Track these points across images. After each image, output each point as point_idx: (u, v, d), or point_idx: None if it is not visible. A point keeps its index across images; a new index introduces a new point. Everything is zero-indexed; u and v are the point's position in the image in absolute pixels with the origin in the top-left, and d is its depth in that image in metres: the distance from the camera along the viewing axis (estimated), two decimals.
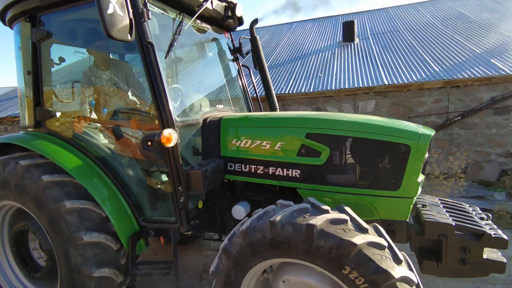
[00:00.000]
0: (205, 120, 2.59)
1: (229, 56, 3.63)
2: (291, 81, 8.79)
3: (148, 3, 2.16)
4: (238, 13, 3.15)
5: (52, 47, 2.68)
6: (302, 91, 8.14)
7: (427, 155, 2.26)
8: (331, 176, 2.25)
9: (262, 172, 2.40)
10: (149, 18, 2.13)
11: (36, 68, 2.52)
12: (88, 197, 2.26)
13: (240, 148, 2.46)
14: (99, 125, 2.67)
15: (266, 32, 14.57)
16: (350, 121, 2.25)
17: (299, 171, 2.30)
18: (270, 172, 2.38)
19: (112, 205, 2.35)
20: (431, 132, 2.14)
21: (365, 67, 8.65)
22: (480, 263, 2.03)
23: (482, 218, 2.26)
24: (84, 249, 2.14)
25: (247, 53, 3.63)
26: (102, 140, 2.61)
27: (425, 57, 8.38)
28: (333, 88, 7.90)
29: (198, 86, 3.68)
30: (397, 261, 1.63)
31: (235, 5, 3.08)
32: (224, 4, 3.00)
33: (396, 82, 7.35)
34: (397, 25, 11.80)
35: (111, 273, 2.22)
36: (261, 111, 3.81)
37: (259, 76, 3.69)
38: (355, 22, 11.19)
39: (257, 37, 3.54)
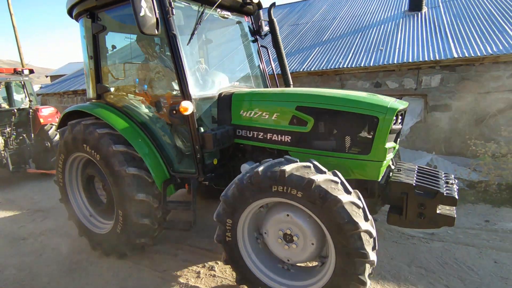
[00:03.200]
0: (220, 94, 3.21)
1: (250, 37, 4.11)
2: (350, 55, 8.51)
3: (173, 2, 2.77)
4: None
5: (108, 35, 3.47)
6: (362, 65, 7.81)
7: (399, 126, 2.63)
8: (315, 141, 2.75)
9: (262, 138, 2.99)
10: (173, 14, 2.74)
11: (96, 54, 3.33)
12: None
13: (246, 117, 3.04)
14: (141, 97, 3.43)
15: (323, 3, 13.82)
16: (331, 96, 2.70)
17: (290, 137, 2.84)
18: (268, 138, 2.95)
19: (151, 158, 3.14)
20: (399, 106, 2.50)
21: (432, 38, 8.08)
22: (434, 217, 2.44)
23: (447, 182, 2.61)
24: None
25: (265, 35, 4.08)
26: (143, 109, 3.39)
27: (505, 26, 7.56)
28: (394, 62, 7.46)
29: (223, 65, 4.27)
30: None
31: None
32: None
33: (467, 55, 6.74)
34: None
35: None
36: (277, 86, 4.30)
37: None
38: None
39: (274, 19, 3.93)
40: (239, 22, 4.00)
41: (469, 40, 7.45)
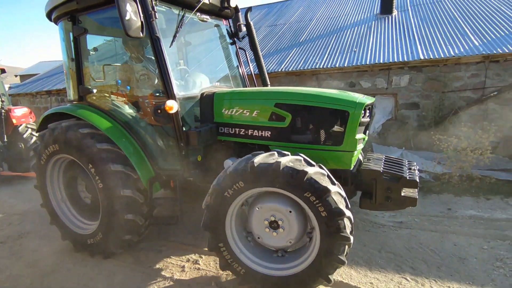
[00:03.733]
0: (202, 94, 3.36)
1: (229, 40, 4.29)
2: (326, 55, 8.86)
3: (155, 6, 2.91)
4: (232, 4, 3.81)
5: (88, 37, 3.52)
6: (337, 65, 8.18)
7: (367, 119, 2.91)
8: (293, 135, 2.97)
9: (243, 134, 3.17)
10: (156, 18, 2.87)
11: (77, 56, 3.38)
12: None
13: (228, 115, 3.21)
14: (124, 98, 3.52)
15: (300, 4, 14.11)
16: (306, 93, 2.94)
17: (270, 132, 3.04)
18: (249, 134, 3.13)
19: (136, 157, 3.23)
20: (366, 101, 2.78)
21: (401, 41, 8.57)
22: (399, 199, 2.73)
23: (410, 168, 2.92)
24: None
25: (243, 37, 4.27)
26: (127, 109, 3.47)
27: (466, 30, 8.15)
28: (367, 63, 7.89)
29: (202, 66, 4.42)
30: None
31: None
32: None
33: (432, 57, 7.24)
34: None
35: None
36: (255, 86, 4.51)
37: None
38: None
39: (251, 23, 4.14)
40: (217, 25, 4.17)
41: (434, 42, 7.97)
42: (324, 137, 2.87)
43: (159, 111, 2.96)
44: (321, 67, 8.41)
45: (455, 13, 9.48)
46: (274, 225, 2.61)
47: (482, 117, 7.20)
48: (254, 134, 3.11)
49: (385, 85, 8.16)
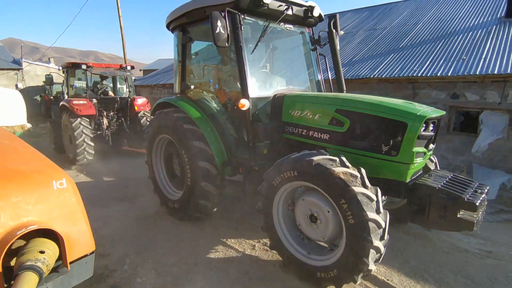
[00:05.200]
0: (275, 95, 3.79)
1: (311, 46, 4.59)
2: (427, 63, 8.23)
3: (243, 20, 3.46)
4: (316, 13, 4.10)
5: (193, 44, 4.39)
6: (438, 74, 7.57)
7: (430, 133, 2.83)
8: (350, 141, 3.11)
9: (305, 134, 3.46)
10: (241, 30, 3.43)
11: (183, 59, 4.26)
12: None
13: (294, 116, 3.56)
14: (213, 94, 4.25)
15: (406, 6, 13.07)
16: (366, 102, 3.03)
17: (328, 135, 3.26)
18: (310, 134, 3.41)
19: (215, 143, 3.91)
20: (430, 114, 2.71)
21: None
22: (454, 220, 2.60)
23: (476, 191, 2.71)
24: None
25: (324, 44, 4.50)
26: (213, 104, 4.19)
27: None
28: (477, 73, 7.08)
29: (283, 70, 4.85)
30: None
31: (313, 7, 4.04)
32: (303, 8, 4.00)
33: None
34: None
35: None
36: (331, 91, 4.69)
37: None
38: None
39: (333, 31, 4.34)
40: (302, 32, 4.51)
41: None
42: (380, 146, 2.92)
43: (235, 107, 3.52)
44: (419, 75, 7.87)
45: None
46: (313, 220, 2.84)
47: None
48: (314, 135, 3.37)
49: (498, 99, 7.15)
